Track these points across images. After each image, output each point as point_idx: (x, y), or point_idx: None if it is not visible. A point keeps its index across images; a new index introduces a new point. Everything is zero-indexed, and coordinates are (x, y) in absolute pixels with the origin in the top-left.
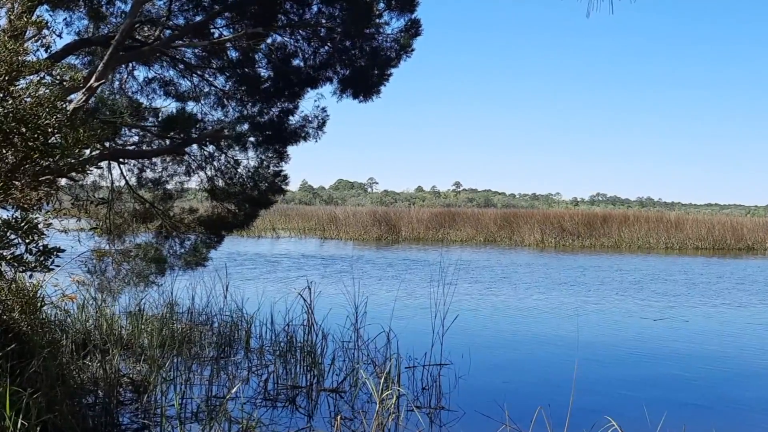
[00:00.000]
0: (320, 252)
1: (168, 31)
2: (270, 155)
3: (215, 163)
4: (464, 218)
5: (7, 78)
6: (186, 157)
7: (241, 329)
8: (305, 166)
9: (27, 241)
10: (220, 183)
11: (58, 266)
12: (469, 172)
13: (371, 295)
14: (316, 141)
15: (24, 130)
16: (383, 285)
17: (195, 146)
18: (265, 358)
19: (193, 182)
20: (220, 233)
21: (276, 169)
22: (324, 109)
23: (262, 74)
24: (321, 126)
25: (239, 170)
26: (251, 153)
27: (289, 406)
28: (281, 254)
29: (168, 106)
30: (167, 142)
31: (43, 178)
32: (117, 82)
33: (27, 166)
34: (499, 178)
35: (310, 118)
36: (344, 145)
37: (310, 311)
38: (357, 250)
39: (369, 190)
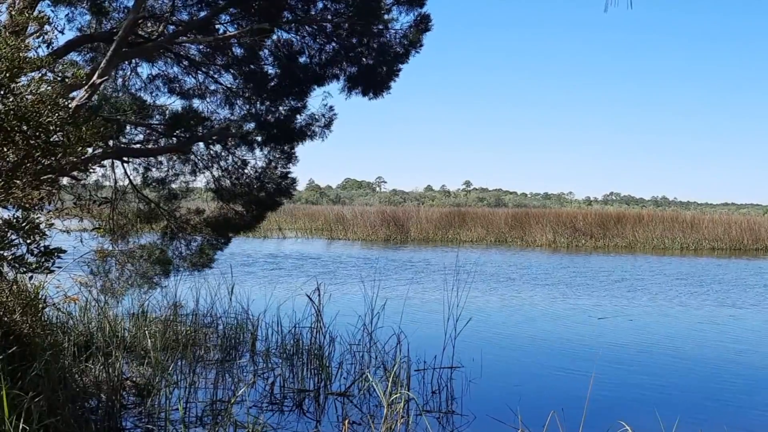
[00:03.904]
0: (328, 252)
1: (171, 27)
2: (277, 156)
3: (222, 163)
4: (474, 218)
5: (8, 75)
6: (192, 157)
7: (247, 332)
8: (312, 165)
9: (28, 241)
10: (227, 183)
11: (60, 267)
12: (480, 170)
13: (381, 296)
14: (323, 140)
15: (25, 128)
16: (393, 286)
17: (201, 145)
18: (272, 361)
19: (199, 182)
20: (227, 235)
21: (284, 170)
22: (331, 108)
23: (269, 71)
24: (328, 125)
25: (246, 170)
26: (258, 153)
27: (295, 410)
28: (288, 255)
29: (173, 103)
30: (173, 140)
31: (45, 177)
32: (120, 80)
33: (28, 164)
34: (511, 177)
35: (317, 117)
36: (352, 144)
37: (318, 313)
38: (366, 250)
39: (377, 189)
